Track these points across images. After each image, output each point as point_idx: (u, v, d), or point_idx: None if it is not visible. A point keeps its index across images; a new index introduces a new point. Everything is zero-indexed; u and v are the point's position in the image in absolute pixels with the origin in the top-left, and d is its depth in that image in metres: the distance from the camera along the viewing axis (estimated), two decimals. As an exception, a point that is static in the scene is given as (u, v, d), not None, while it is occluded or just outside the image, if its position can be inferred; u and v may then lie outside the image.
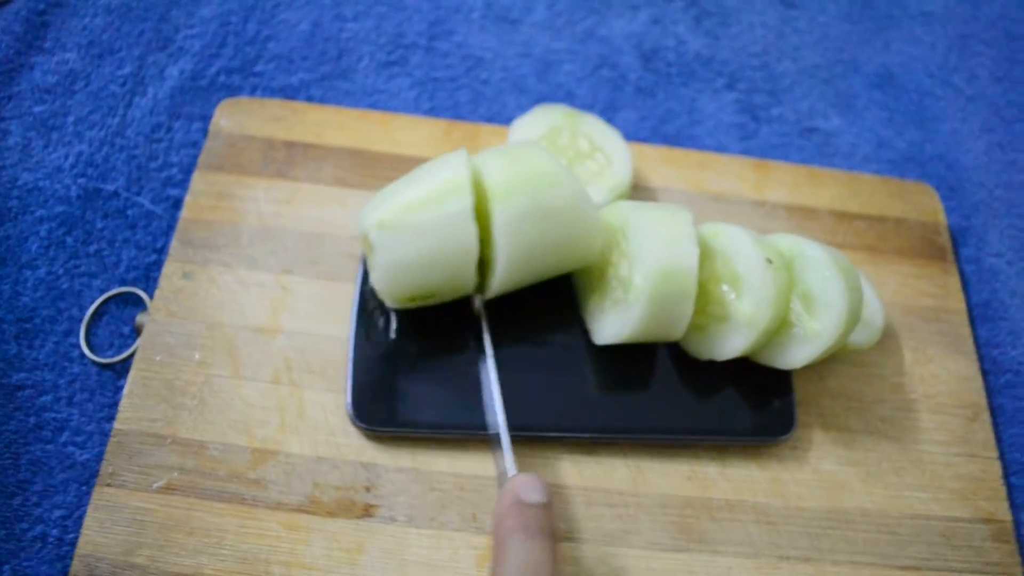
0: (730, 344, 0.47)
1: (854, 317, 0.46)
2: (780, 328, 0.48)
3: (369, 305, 0.51)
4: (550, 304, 0.52)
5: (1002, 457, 0.52)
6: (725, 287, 0.48)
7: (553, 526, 0.39)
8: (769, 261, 0.46)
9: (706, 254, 0.48)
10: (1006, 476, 0.52)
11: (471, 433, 0.48)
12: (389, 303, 0.48)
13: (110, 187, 0.57)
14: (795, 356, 0.47)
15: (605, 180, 0.55)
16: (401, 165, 0.58)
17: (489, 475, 0.48)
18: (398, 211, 0.45)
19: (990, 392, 0.55)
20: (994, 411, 0.54)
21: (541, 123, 0.57)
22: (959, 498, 0.50)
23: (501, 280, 0.47)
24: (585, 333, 0.51)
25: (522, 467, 0.48)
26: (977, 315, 0.58)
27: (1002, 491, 0.50)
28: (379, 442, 0.48)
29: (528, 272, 0.48)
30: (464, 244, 0.45)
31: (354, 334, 0.50)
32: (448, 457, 0.48)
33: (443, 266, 0.46)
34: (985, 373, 0.56)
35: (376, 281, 0.47)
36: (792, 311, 0.47)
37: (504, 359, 0.50)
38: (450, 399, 0.49)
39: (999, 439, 0.53)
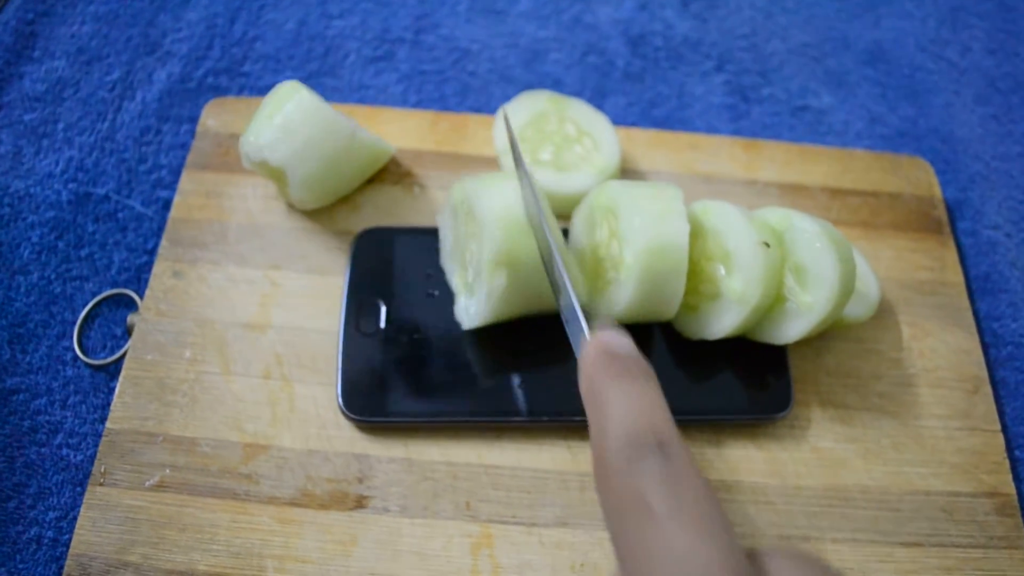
0: (721, 322, 0.47)
1: (847, 289, 0.46)
2: (773, 303, 0.47)
3: (357, 297, 0.51)
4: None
5: (1005, 430, 0.51)
6: (716, 264, 0.47)
7: (655, 375, 0.33)
8: (766, 245, 0.45)
9: (697, 232, 0.48)
10: (1009, 449, 0.51)
11: (463, 420, 0.48)
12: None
13: (101, 191, 0.57)
14: (789, 330, 0.47)
15: (593, 164, 0.55)
16: (390, 159, 0.58)
17: (483, 463, 0.48)
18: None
19: (992, 365, 0.54)
20: (996, 384, 0.53)
21: (527, 109, 0.57)
22: (960, 472, 0.49)
23: None
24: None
25: (515, 452, 0.48)
26: (977, 288, 0.57)
27: (1005, 464, 0.49)
28: (370, 433, 0.48)
29: None
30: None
31: (343, 327, 0.50)
32: (440, 446, 0.48)
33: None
34: (986, 346, 0.55)
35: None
36: (784, 285, 0.47)
37: (497, 343, 0.50)
38: (440, 387, 0.49)
39: (1002, 412, 0.52)
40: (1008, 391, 0.53)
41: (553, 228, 0.43)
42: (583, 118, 0.57)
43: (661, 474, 0.28)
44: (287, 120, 0.50)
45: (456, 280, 0.51)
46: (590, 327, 0.36)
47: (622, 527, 0.28)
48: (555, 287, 0.42)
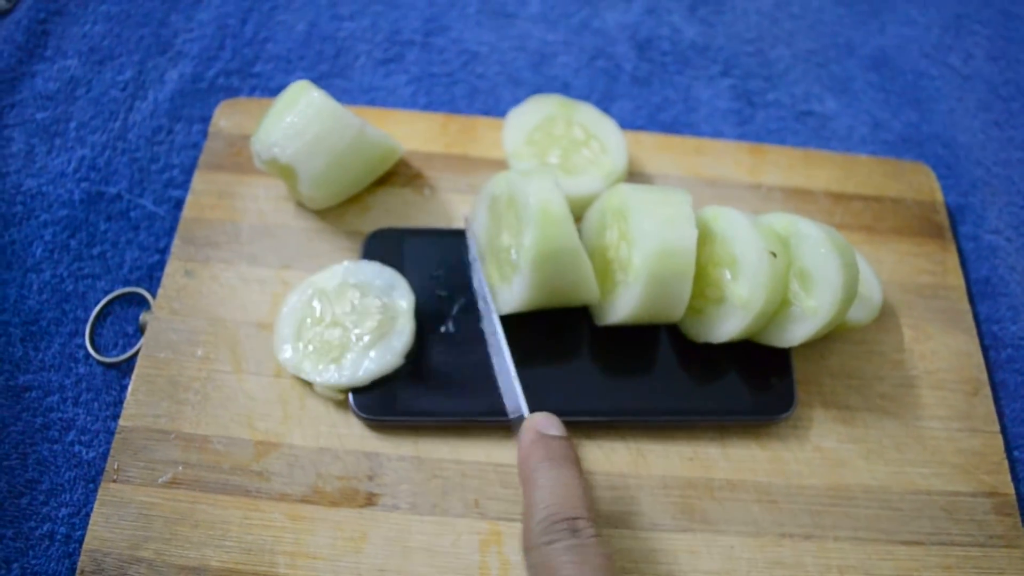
0: (725, 326, 0.47)
1: (850, 293, 0.46)
2: (778, 308, 0.48)
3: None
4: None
5: (1004, 432, 0.52)
6: (723, 270, 0.48)
7: (576, 457, 0.40)
8: (773, 255, 0.46)
9: (706, 237, 0.48)
10: (1009, 450, 0.52)
11: (472, 419, 0.49)
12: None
13: (113, 190, 0.58)
14: (793, 334, 0.48)
15: (600, 167, 0.55)
16: (399, 160, 0.58)
17: (491, 461, 0.48)
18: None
19: (991, 367, 0.55)
20: (996, 386, 0.54)
21: (536, 113, 0.57)
22: (961, 472, 0.50)
23: None
24: (586, 317, 0.52)
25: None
26: (977, 292, 0.58)
27: (1004, 465, 0.50)
28: (380, 431, 0.49)
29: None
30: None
31: (354, 326, 0.51)
32: (449, 444, 0.49)
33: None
34: (986, 349, 0.56)
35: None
36: (789, 290, 0.48)
37: (506, 343, 0.51)
38: (450, 386, 0.49)
39: (1001, 414, 0.53)
40: (1008, 393, 0.54)
41: (501, 333, 0.48)
42: (591, 122, 0.57)
43: (569, 549, 0.36)
44: (296, 118, 0.51)
45: (489, 266, 0.52)
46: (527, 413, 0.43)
47: None
48: (502, 388, 0.48)
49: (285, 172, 0.52)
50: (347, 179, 0.54)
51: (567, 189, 0.54)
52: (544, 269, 0.46)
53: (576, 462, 0.40)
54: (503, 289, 0.50)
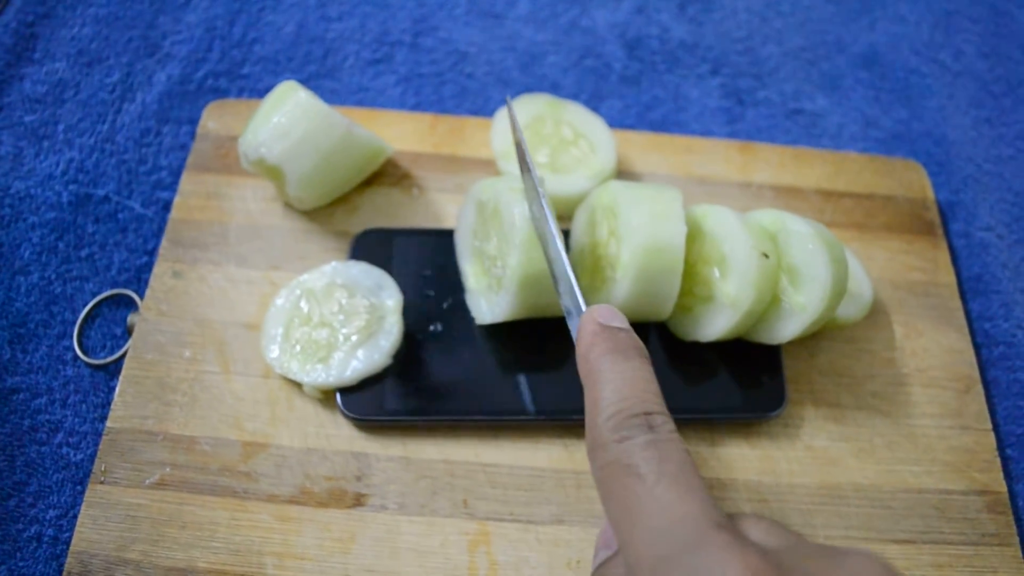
0: (714, 325, 0.47)
1: (839, 289, 0.46)
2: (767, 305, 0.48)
3: (356, 297, 0.52)
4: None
5: (996, 430, 0.52)
6: (712, 268, 0.48)
7: (645, 349, 0.36)
8: (765, 256, 0.46)
9: (695, 235, 0.48)
10: (1001, 448, 0.51)
11: (460, 419, 0.48)
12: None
13: (101, 192, 0.58)
14: (782, 331, 0.47)
15: (589, 166, 0.55)
16: (387, 160, 0.58)
17: (480, 461, 0.48)
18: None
19: (983, 365, 0.55)
20: (988, 384, 0.54)
21: (524, 112, 0.57)
22: (952, 471, 0.50)
23: None
24: (571, 315, 0.51)
25: (512, 450, 0.48)
26: (969, 289, 0.58)
27: (996, 463, 0.50)
28: (369, 432, 0.49)
29: None
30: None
31: (342, 326, 0.51)
32: (437, 444, 0.48)
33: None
34: (978, 346, 0.55)
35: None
36: (778, 286, 0.47)
37: (494, 344, 0.50)
38: (438, 386, 0.49)
39: (993, 412, 0.53)
40: (999, 390, 0.54)
41: (554, 222, 0.44)
42: (580, 121, 0.57)
43: (648, 444, 0.31)
44: (283, 119, 0.51)
45: (472, 274, 0.52)
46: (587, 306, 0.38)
47: (613, 490, 0.31)
48: (556, 279, 0.43)
49: (272, 173, 0.52)
50: (335, 179, 0.54)
51: (556, 188, 0.54)
52: (528, 289, 0.46)
53: (646, 355, 0.36)
54: (487, 297, 0.50)
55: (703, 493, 0.30)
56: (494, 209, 0.49)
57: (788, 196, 0.59)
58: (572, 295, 0.40)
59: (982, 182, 0.63)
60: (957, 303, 0.56)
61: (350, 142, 0.52)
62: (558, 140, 0.56)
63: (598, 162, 0.56)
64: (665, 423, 0.33)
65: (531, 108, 0.57)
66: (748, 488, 0.48)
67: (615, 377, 0.34)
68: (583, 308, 0.38)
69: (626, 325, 0.37)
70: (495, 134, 0.57)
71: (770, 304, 0.48)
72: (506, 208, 0.47)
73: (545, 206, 0.43)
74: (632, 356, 0.35)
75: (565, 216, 0.55)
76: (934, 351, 0.54)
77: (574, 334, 0.39)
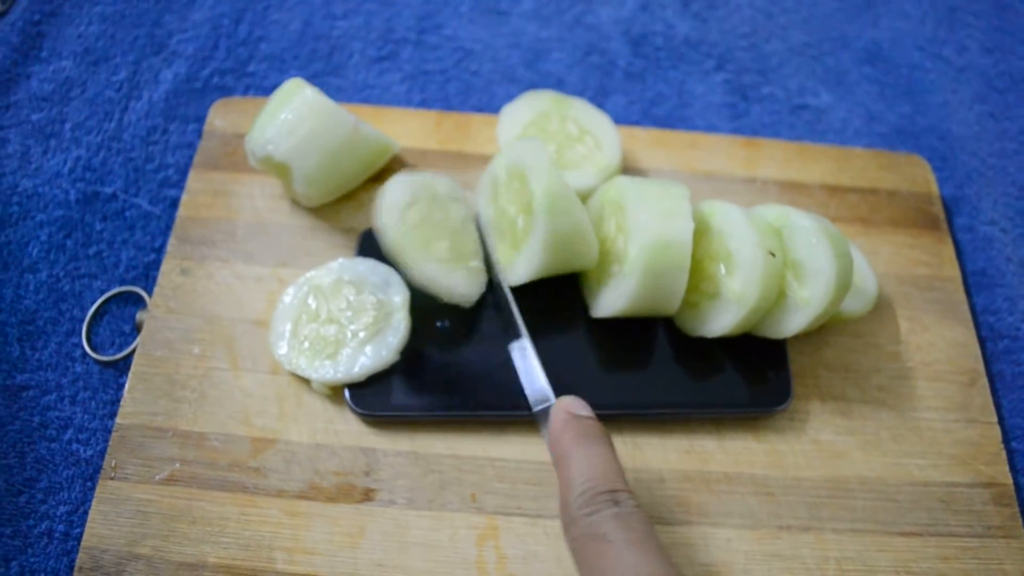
0: (720, 321, 0.47)
1: (844, 283, 0.46)
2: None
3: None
4: (548, 283, 0.53)
5: (1002, 422, 0.52)
6: (718, 264, 0.48)
7: (608, 435, 0.41)
8: (772, 255, 0.46)
9: (702, 231, 0.49)
10: (1006, 441, 0.52)
11: (468, 414, 0.49)
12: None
13: (108, 190, 0.58)
14: (787, 325, 0.48)
15: (595, 163, 0.56)
16: (393, 157, 0.58)
17: (488, 456, 0.48)
18: None
19: (988, 358, 0.55)
20: (993, 377, 0.54)
21: (530, 109, 0.58)
22: (958, 463, 0.50)
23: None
24: (582, 311, 0.52)
25: (520, 445, 0.49)
26: (973, 283, 0.58)
27: (1002, 455, 0.50)
28: (377, 427, 0.49)
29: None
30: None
31: (349, 322, 0.51)
32: (445, 439, 0.49)
33: None
34: (983, 340, 0.56)
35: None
36: (783, 282, 0.48)
37: (500, 338, 0.51)
38: (445, 381, 0.49)
39: (999, 405, 0.53)
40: (1005, 384, 0.54)
41: (518, 314, 0.49)
42: (585, 117, 0.58)
43: (614, 516, 0.36)
44: (290, 116, 0.51)
45: (500, 246, 0.52)
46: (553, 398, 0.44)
47: (586, 556, 0.36)
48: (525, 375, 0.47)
49: (280, 170, 0.52)
50: (341, 176, 0.54)
51: None
52: (556, 214, 0.47)
53: (609, 440, 0.40)
54: (516, 259, 0.50)
55: (664, 555, 0.35)
56: (509, 171, 0.50)
57: (793, 191, 0.59)
58: (541, 390, 0.45)
59: (986, 176, 0.63)
60: (962, 297, 0.56)
61: (357, 139, 0.53)
62: (564, 136, 0.57)
63: (603, 158, 0.56)
64: (628, 499, 0.37)
65: (537, 105, 0.58)
66: (755, 481, 0.48)
67: (583, 460, 0.38)
68: (552, 400, 0.44)
69: (591, 414, 0.42)
70: (501, 130, 0.57)
71: (776, 299, 0.48)
72: (518, 157, 0.49)
73: (508, 293, 0.49)
74: (598, 441, 0.40)
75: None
76: (939, 345, 0.54)
77: (542, 422, 0.44)
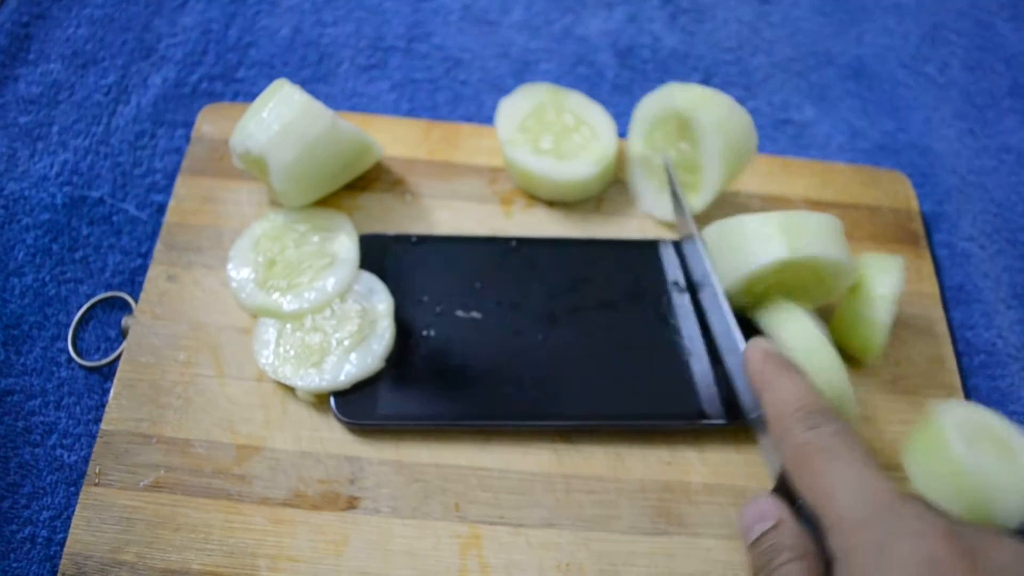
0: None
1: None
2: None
3: (350, 302, 0.52)
4: (530, 295, 0.53)
5: (977, 436, 0.53)
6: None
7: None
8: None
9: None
10: (981, 455, 0.52)
11: (453, 424, 0.49)
12: None
13: (95, 194, 0.58)
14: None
15: (591, 152, 0.57)
16: (380, 166, 0.59)
17: (472, 465, 0.49)
18: None
19: (964, 373, 0.56)
20: (969, 392, 0.55)
21: (527, 101, 0.59)
22: (934, 477, 0.50)
23: None
24: (565, 325, 0.52)
25: (503, 455, 0.49)
26: (951, 298, 0.59)
27: (977, 469, 0.51)
28: (362, 435, 0.49)
29: None
30: None
31: (336, 331, 0.51)
32: (430, 449, 0.49)
33: None
34: (959, 355, 0.57)
35: None
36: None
37: (487, 348, 0.51)
38: (431, 390, 0.50)
39: (974, 419, 0.54)
40: (980, 398, 0.55)
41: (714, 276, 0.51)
42: (581, 108, 0.59)
43: (836, 432, 0.38)
44: (269, 111, 0.51)
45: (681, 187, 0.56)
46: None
47: (811, 466, 0.38)
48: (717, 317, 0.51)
49: (258, 165, 0.52)
50: (320, 173, 0.54)
51: (560, 173, 0.56)
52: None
53: (804, 371, 0.43)
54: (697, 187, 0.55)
55: (886, 475, 0.37)
56: (678, 118, 0.56)
57: (775, 205, 0.60)
58: (730, 335, 0.48)
59: (965, 193, 0.64)
60: (939, 312, 0.57)
61: (335, 134, 0.53)
62: (561, 127, 0.58)
63: (600, 148, 0.58)
64: (839, 419, 0.39)
65: (534, 97, 0.59)
66: (735, 492, 0.49)
67: (791, 384, 0.41)
68: (740, 342, 0.47)
69: (784, 352, 0.44)
70: (500, 121, 0.58)
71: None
72: (686, 104, 0.54)
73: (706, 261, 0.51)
74: (798, 370, 0.42)
75: (568, 200, 0.58)
76: (916, 360, 0.55)
77: (724, 354, 0.50)
